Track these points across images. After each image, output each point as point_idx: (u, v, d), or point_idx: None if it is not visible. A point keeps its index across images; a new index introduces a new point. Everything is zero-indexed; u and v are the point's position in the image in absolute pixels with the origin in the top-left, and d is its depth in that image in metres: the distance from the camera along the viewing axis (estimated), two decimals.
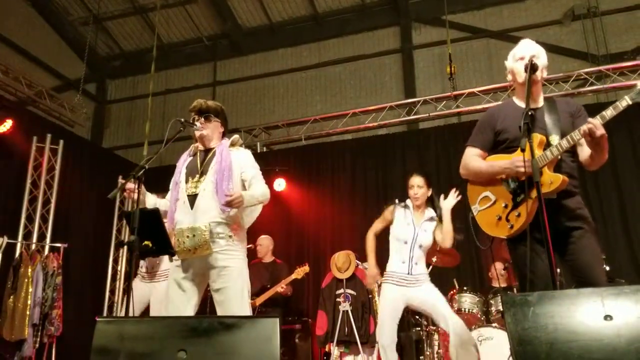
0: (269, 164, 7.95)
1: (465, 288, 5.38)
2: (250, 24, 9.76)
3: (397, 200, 4.33)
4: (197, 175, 3.20)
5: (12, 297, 5.85)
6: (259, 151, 8.75)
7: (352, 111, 8.10)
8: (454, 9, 8.50)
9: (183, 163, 3.33)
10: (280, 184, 7.80)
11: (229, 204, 3.01)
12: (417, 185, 4.15)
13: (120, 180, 3.17)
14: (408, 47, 8.93)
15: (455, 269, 5.51)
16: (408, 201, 4.22)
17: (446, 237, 4.03)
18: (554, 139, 2.62)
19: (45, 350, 6.07)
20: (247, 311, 3.14)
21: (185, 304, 3.13)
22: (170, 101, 10.28)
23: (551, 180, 2.55)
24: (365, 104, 8.33)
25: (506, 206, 2.67)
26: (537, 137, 2.60)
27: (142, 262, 4.82)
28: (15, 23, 8.81)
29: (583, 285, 2.48)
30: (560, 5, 8.23)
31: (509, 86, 7.22)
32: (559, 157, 2.60)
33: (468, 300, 5.22)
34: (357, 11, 9.27)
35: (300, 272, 6.17)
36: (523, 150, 2.38)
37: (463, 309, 5.18)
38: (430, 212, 4.18)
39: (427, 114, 7.69)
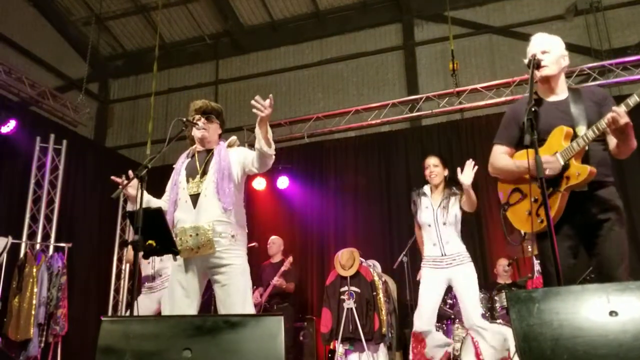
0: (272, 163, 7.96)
1: None
2: (252, 22, 9.75)
3: (414, 188, 4.45)
4: (198, 176, 3.22)
5: (17, 297, 5.87)
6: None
7: (354, 108, 8.08)
8: (456, 5, 8.47)
9: (182, 164, 3.34)
10: (283, 182, 7.81)
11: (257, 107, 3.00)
12: (433, 164, 4.30)
13: (118, 180, 3.16)
14: (410, 43, 8.91)
15: None
16: (424, 187, 4.34)
17: (472, 206, 4.07)
18: (581, 129, 2.59)
19: (51, 350, 6.09)
20: (251, 309, 3.16)
21: (188, 303, 3.14)
22: (172, 100, 10.28)
23: (578, 172, 2.51)
24: (368, 101, 8.30)
25: (536, 201, 2.63)
26: (562, 129, 2.58)
27: (147, 277, 4.89)
28: (18, 24, 8.82)
29: (605, 280, 2.44)
30: (562, 0, 8.20)
31: (512, 82, 7.20)
32: (587, 147, 2.55)
33: None
34: (359, 8, 9.25)
35: (286, 264, 6.27)
36: (527, 147, 2.36)
37: None
38: (451, 189, 4.26)
39: (430, 111, 7.66)
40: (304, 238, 7.59)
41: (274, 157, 3.18)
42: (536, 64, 2.67)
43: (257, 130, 3.09)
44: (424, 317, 4.11)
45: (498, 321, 4.93)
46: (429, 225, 4.19)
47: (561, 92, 2.75)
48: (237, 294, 3.10)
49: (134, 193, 3.15)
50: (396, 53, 9.01)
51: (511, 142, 2.81)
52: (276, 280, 6.15)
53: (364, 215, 7.26)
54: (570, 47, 8.12)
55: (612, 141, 2.60)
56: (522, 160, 2.71)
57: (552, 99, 2.76)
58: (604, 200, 2.59)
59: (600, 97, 2.71)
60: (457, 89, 7.47)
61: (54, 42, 9.70)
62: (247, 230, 3.33)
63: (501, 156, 2.81)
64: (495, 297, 5.29)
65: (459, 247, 4.15)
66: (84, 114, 8.91)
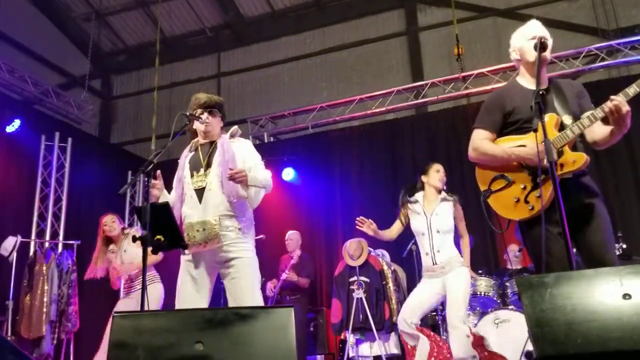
0: (276, 154, 7.94)
1: (480, 272, 5.36)
2: (253, 13, 9.70)
3: (407, 197, 4.34)
4: (202, 169, 3.21)
5: (28, 295, 5.91)
6: (266, 141, 8.74)
7: (358, 97, 8.03)
8: None
9: (185, 159, 3.33)
10: (288, 174, 7.78)
11: (232, 177, 3.00)
12: (443, 170, 4.27)
13: (155, 181, 3.16)
14: (413, 29, 8.82)
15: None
16: (416, 195, 4.29)
17: None
18: (566, 119, 2.60)
19: (64, 347, 6.14)
20: (259, 301, 3.18)
21: (198, 297, 3.16)
22: (175, 94, 10.26)
23: (574, 159, 2.52)
24: (372, 90, 8.24)
25: (525, 187, 2.62)
26: (554, 117, 2.58)
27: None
28: (19, 22, 8.80)
29: (595, 265, 2.45)
30: None
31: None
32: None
33: (483, 284, 5.20)
34: None
35: (295, 258, 6.30)
36: (536, 131, 2.35)
37: (479, 293, 5.17)
38: (442, 195, 4.22)
39: (436, 97, 7.61)
40: (311, 229, 7.57)
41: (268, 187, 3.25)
42: (543, 46, 2.63)
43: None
44: (406, 310, 4.08)
45: (510, 307, 4.91)
46: (423, 234, 4.13)
47: (543, 83, 2.73)
48: (246, 287, 3.11)
49: (159, 194, 3.19)
50: (399, 39, 8.93)
51: (494, 128, 2.77)
52: (286, 274, 6.17)
53: (371, 205, 7.21)
54: (577, 28, 8.12)
55: (597, 131, 2.60)
56: (510, 142, 2.69)
57: (533, 87, 2.74)
58: (586, 186, 2.61)
59: (578, 90, 2.76)
60: (463, 74, 7.41)
61: (55, 40, 9.68)
62: (254, 222, 3.33)
63: (485, 142, 2.76)
64: (507, 283, 5.27)
65: (450, 252, 4.09)
66: (88, 111, 8.92)
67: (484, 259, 6.51)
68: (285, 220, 7.39)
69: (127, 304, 4.82)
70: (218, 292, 3.92)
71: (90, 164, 7.57)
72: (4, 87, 7.71)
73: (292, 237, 6.55)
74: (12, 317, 5.75)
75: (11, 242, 5.78)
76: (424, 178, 4.35)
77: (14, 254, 5.79)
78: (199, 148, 3.34)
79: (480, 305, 5.31)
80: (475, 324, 4.92)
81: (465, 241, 4.29)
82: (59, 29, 9.77)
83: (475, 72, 7.45)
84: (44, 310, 5.84)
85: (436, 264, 4.06)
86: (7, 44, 8.54)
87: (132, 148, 9.91)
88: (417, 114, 8.14)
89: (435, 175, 4.28)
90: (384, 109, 7.89)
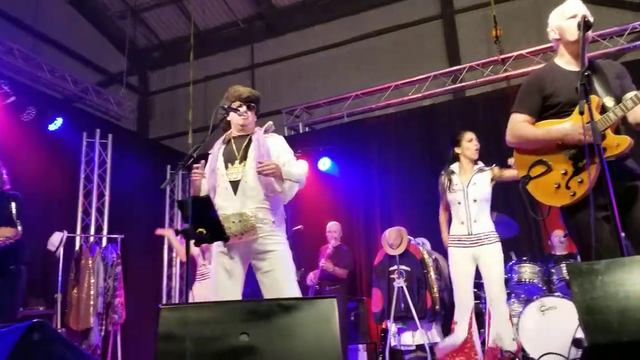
0: (312, 144, 7.93)
1: (524, 258, 5.26)
2: (284, 3, 9.66)
3: (442, 172, 4.38)
4: (237, 162, 3.22)
5: (75, 288, 6.08)
6: (301, 131, 8.73)
7: (394, 84, 7.93)
8: None
9: (218, 150, 3.35)
10: (325, 164, 7.76)
11: (260, 171, 3.05)
12: (475, 138, 4.26)
13: (199, 172, 3.22)
14: (449, 12, 8.62)
15: (512, 239, 5.38)
16: (452, 166, 4.27)
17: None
18: (607, 101, 2.52)
19: (111, 338, 6.31)
20: (296, 292, 3.20)
21: (233, 288, 3.20)
22: (210, 88, 10.33)
23: (617, 143, 2.44)
24: (408, 76, 8.09)
25: (565, 173, 2.55)
26: (595, 99, 2.48)
27: (201, 266, 5.06)
28: (57, 22, 8.99)
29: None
30: None
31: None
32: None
33: (528, 271, 5.11)
34: None
35: (330, 248, 6.29)
36: (582, 114, 2.28)
37: (524, 280, 5.07)
38: (478, 165, 4.19)
39: (474, 81, 7.46)
40: (350, 219, 7.54)
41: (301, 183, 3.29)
42: (587, 26, 2.54)
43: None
44: (461, 296, 4.10)
45: (556, 294, 4.81)
46: (459, 203, 4.14)
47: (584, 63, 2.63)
48: (282, 279, 3.15)
49: (200, 181, 3.27)
50: (434, 23, 8.74)
51: (533, 112, 2.68)
52: (322, 264, 6.18)
53: (410, 193, 7.14)
54: (621, 4, 7.78)
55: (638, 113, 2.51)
56: (552, 125, 2.60)
57: (573, 68, 2.64)
58: (630, 169, 2.53)
59: (619, 70, 2.67)
60: (502, 56, 7.23)
61: (93, 38, 9.86)
62: (285, 216, 3.36)
63: (524, 124, 2.68)
64: (552, 270, 5.15)
65: (487, 226, 4.08)
66: (126, 107, 9.09)
67: (528, 245, 6.37)
68: (323, 210, 7.39)
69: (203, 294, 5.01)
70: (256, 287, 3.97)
71: (130, 159, 7.71)
72: (46, 87, 7.91)
73: (333, 229, 6.55)
74: (60, 309, 5.92)
75: (58, 237, 5.94)
76: (457, 149, 4.32)
77: (61, 249, 5.95)
78: (232, 140, 3.36)
79: (525, 293, 5.21)
80: (520, 312, 4.84)
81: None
82: (96, 28, 9.94)
83: (515, 53, 7.25)
84: (91, 302, 6.01)
85: (471, 234, 4.04)
86: (47, 44, 8.75)
87: (170, 142, 10.04)
88: (454, 98, 7.98)
89: (469, 144, 4.25)
90: (420, 95, 7.78)
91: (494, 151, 6.55)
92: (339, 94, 8.54)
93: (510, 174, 4.09)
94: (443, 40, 8.58)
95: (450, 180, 4.23)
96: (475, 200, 4.09)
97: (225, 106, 3.33)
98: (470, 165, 4.24)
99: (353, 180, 7.67)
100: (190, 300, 5.18)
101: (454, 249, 4.15)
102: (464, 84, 7.64)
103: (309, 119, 8.74)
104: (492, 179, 4.17)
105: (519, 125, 2.71)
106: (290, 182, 3.21)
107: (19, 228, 4.01)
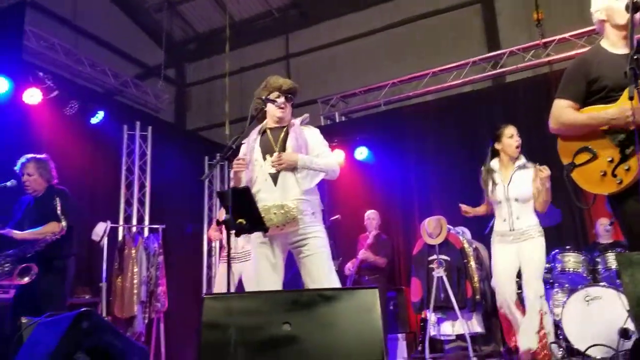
0: (348, 133, 7.89)
1: (568, 247, 5.13)
2: None
3: (482, 168, 4.29)
4: (275, 154, 3.22)
5: (119, 277, 6.24)
6: (337, 121, 8.69)
7: (431, 71, 7.80)
8: None
9: (254, 141, 3.35)
10: (362, 153, 7.72)
11: (273, 164, 3.14)
12: (516, 133, 4.09)
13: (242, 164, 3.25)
14: None
15: (555, 228, 5.26)
16: (491, 163, 4.15)
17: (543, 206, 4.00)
18: None
19: (154, 325, 6.45)
20: (336, 281, 3.24)
21: (274, 278, 3.24)
22: (245, 78, 10.36)
23: None
24: (446, 62, 7.94)
25: (612, 160, 2.46)
26: None
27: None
28: (95, 17, 9.14)
29: None
30: None
31: None
32: None
33: (572, 260, 4.98)
34: None
35: (370, 238, 6.27)
36: (631, 99, 2.21)
37: (567, 269, 4.95)
38: (520, 161, 4.07)
39: (515, 66, 7.27)
40: (387, 208, 7.48)
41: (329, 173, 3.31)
42: (636, 7, 2.43)
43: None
44: (502, 289, 4.04)
45: (602, 284, 4.68)
46: (499, 203, 4.03)
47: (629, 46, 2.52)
48: (322, 263, 3.20)
49: (243, 172, 3.30)
50: (473, 7, 8.50)
51: (577, 98, 2.59)
52: (362, 254, 6.20)
53: (449, 182, 7.03)
54: None
55: None
56: (597, 111, 2.50)
57: (620, 51, 2.53)
58: None
59: None
60: (544, 40, 7.02)
61: (130, 31, 10.00)
62: (322, 207, 3.37)
63: (568, 110, 2.59)
64: (597, 259, 5.01)
65: (530, 221, 3.97)
66: (165, 99, 9.22)
67: (572, 233, 6.21)
68: (361, 200, 7.36)
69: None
70: (296, 275, 4.00)
71: (169, 150, 7.82)
72: (87, 81, 8.09)
73: (372, 217, 6.53)
74: (105, 298, 6.08)
75: (101, 227, 6.09)
76: (497, 145, 4.20)
77: (105, 239, 6.10)
78: (268, 132, 3.36)
79: (569, 282, 5.09)
80: (564, 302, 4.74)
81: None
82: (134, 21, 10.08)
83: (557, 37, 7.02)
84: (135, 291, 6.15)
85: (513, 230, 3.96)
86: (87, 38, 8.91)
87: (207, 133, 10.14)
88: (494, 84, 7.80)
89: (509, 141, 4.11)
90: (459, 81, 7.63)
91: (536, 137, 6.42)
92: (376, 82, 8.45)
93: (543, 190, 3.94)
94: (482, 24, 8.36)
95: (490, 179, 4.12)
96: (517, 200, 3.98)
97: (264, 97, 3.34)
98: (511, 162, 4.11)
99: (390, 169, 7.60)
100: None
101: (497, 244, 4.08)
102: (504, 69, 7.46)
103: (345, 108, 8.69)
104: (533, 180, 4.02)
105: (563, 111, 2.63)
106: (310, 171, 3.22)
107: (64, 223, 4.11)
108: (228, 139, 8.49)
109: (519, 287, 4.22)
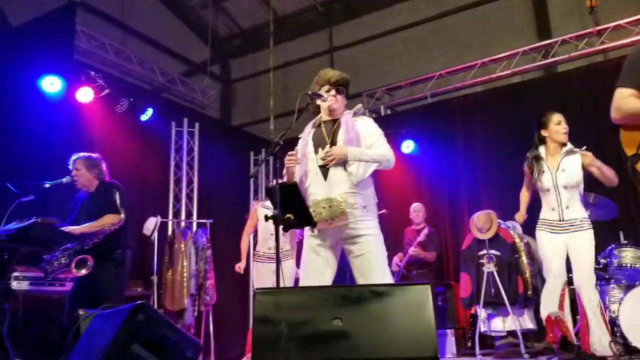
0: (394, 127, 7.79)
1: (625, 242, 4.94)
2: None
3: (527, 155, 4.21)
4: (327, 147, 3.20)
5: (170, 270, 6.38)
6: (382, 114, 8.61)
7: (480, 61, 7.63)
8: None
9: (308, 135, 3.34)
10: (408, 146, 7.63)
11: (325, 164, 3.11)
12: (564, 120, 4.04)
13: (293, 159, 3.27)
14: None
15: (612, 222, 5.06)
16: (539, 149, 4.07)
17: (610, 181, 3.93)
18: None
19: (203, 318, 6.57)
20: (389, 277, 3.18)
21: (324, 273, 3.22)
22: (290, 73, 10.40)
23: None
24: (495, 52, 7.74)
25: None
26: None
27: (261, 245, 5.17)
28: (142, 15, 9.33)
29: None
30: None
31: None
32: None
33: (630, 255, 4.79)
34: None
35: (422, 236, 6.24)
36: None
37: (624, 264, 4.77)
38: (567, 147, 3.96)
39: (567, 55, 7.02)
40: (435, 202, 7.38)
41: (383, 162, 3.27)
42: None
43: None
44: (553, 270, 3.90)
45: None
46: (548, 190, 3.95)
47: None
48: (375, 262, 3.14)
49: (294, 168, 3.32)
50: None
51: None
52: (412, 250, 6.15)
53: (499, 175, 6.87)
54: None
55: None
56: None
57: None
58: None
59: None
60: (598, 28, 6.75)
61: (176, 29, 10.17)
62: (376, 200, 3.31)
63: (630, 99, 2.46)
64: None
65: (579, 212, 3.89)
66: (211, 95, 9.35)
67: (630, 228, 5.95)
68: (407, 193, 7.28)
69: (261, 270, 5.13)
70: (342, 268, 3.98)
71: (216, 146, 7.93)
72: (136, 79, 8.28)
73: (418, 209, 6.47)
74: (157, 291, 6.23)
75: (152, 222, 6.23)
76: (543, 132, 4.10)
77: (155, 234, 6.24)
78: (322, 125, 3.35)
79: (626, 278, 4.89)
80: (621, 298, 4.57)
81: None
82: (179, 18, 10.24)
83: (612, 24, 6.74)
84: (185, 284, 6.28)
85: (563, 220, 3.88)
86: (135, 37, 9.11)
87: (252, 129, 10.22)
88: (545, 74, 7.56)
89: (557, 127, 4.03)
90: (509, 71, 7.43)
91: (592, 130, 6.20)
92: (421, 74, 8.33)
93: (599, 170, 3.87)
94: (532, 13, 8.09)
95: (537, 166, 4.03)
96: (565, 187, 3.90)
97: (313, 91, 3.33)
98: (558, 148, 4.01)
99: (437, 162, 7.48)
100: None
101: (544, 233, 4.01)
102: (556, 58, 7.22)
103: (390, 101, 8.60)
104: (582, 166, 3.93)
105: (625, 100, 2.51)
106: (362, 163, 3.16)
107: (122, 215, 4.22)
108: (273, 134, 8.56)
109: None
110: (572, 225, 3.88)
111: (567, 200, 3.90)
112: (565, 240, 3.91)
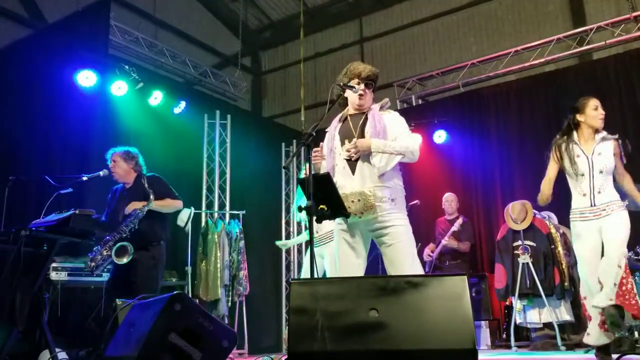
0: (426, 116, 7.73)
1: None
2: None
3: (557, 136, 4.08)
4: (354, 140, 3.18)
5: (204, 261, 6.45)
6: (414, 104, 8.54)
7: (513, 50, 7.48)
8: None
9: (335, 129, 3.33)
10: (440, 136, 7.55)
11: (350, 157, 3.12)
12: (600, 105, 3.90)
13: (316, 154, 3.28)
14: None
15: None
16: (573, 134, 3.95)
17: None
18: None
19: (237, 308, 6.64)
20: (419, 268, 3.18)
21: (357, 264, 3.22)
22: (319, 64, 10.40)
23: None
24: (528, 40, 7.61)
25: None
26: None
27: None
28: (174, 9, 9.44)
29: None
30: None
31: None
32: None
33: None
34: None
35: (456, 225, 6.15)
36: None
37: None
38: (602, 133, 3.85)
39: (603, 42, 6.84)
40: (468, 192, 7.30)
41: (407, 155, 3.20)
42: None
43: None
44: (586, 268, 3.76)
45: None
46: (582, 175, 3.81)
47: None
48: (405, 252, 3.13)
49: (320, 162, 3.32)
50: None
51: None
52: (446, 241, 6.11)
53: (534, 165, 6.70)
54: None
55: None
56: None
57: None
58: None
59: None
60: (635, 13, 6.54)
61: (207, 22, 10.26)
62: (404, 193, 3.29)
63: None
64: None
65: (610, 195, 3.74)
66: (242, 88, 9.40)
67: None
68: (440, 184, 7.21)
69: None
70: (375, 258, 3.97)
71: (248, 138, 7.97)
72: (169, 72, 8.38)
73: (450, 199, 6.42)
74: (191, 281, 6.31)
75: (186, 213, 6.30)
76: (579, 117, 3.99)
77: (189, 225, 6.31)
78: (349, 118, 3.34)
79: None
80: None
81: (629, 178, 3.89)
82: (210, 12, 10.32)
83: None
84: (218, 275, 6.35)
85: (595, 205, 3.74)
86: (168, 31, 9.23)
87: (283, 120, 10.28)
88: (580, 62, 7.38)
89: (594, 113, 3.89)
90: (543, 60, 7.28)
91: (630, 117, 6.03)
92: (453, 64, 8.23)
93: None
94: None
95: (571, 151, 3.92)
96: (601, 172, 3.78)
97: (342, 83, 3.31)
98: (592, 133, 3.91)
99: (470, 152, 7.39)
100: None
101: (578, 222, 3.86)
102: (591, 46, 7.05)
103: (421, 91, 8.51)
104: (614, 152, 3.82)
105: None
106: (385, 155, 3.13)
107: (179, 201, 4.45)
108: (303, 125, 8.58)
109: None
110: (603, 210, 3.74)
111: (599, 185, 3.77)
112: (599, 227, 3.75)
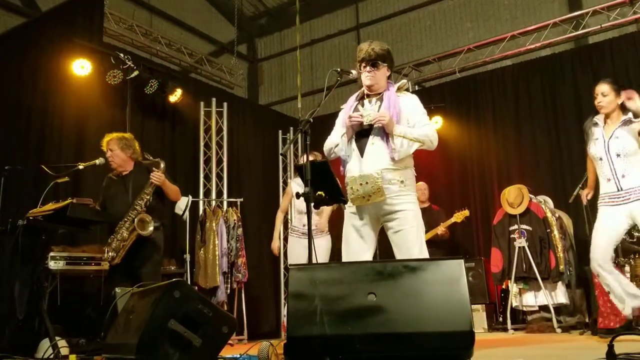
0: (422, 103, 7.68)
1: None
2: None
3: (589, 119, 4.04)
4: (382, 110, 3.18)
5: (202, 249, 6.47)
6: (410, 90, 8.50)
7: (509, 34, 7.46)
8: None
9: (350, 109, 3.31)
10: (436, 122, 7.53)
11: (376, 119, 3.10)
12: (601, 93, 3.85)
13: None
14: None
15: None
16: (597, 116, 3.92)
17: None
18: None
19: (236, 295, 6.68)
20: (426, 253, 3.16)
21: (364, 248, 3.23)
22: (316, 51, 10.35)
23: None
24: (524, 25, 7.59)
25: None
26: None
27: (297, 220, 5.24)
28: None
29: None
30: None
31: None
32: None
33: None
34: None
35: (459, 216, 6.20)
36: None
37: None
38: (625, 116, 3.81)
39: (599, 26, 6.82)
40: (464, 178, 7.32)
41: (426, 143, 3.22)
42: None
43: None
44: (598, 252, 3.75)
45: None
46: (600, 159, 3.80)
47: None
48: (412, 238, 3.13)
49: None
50: None
51: None
52: (442, 231, 6.21)
53: (530, 149, 6.77)
54: None
55: None
56: None
57: None
58: None
59: None
60: None
61: (203, 9, 10.19)
62: (415, 174, 3.28)
63: None
64: None
65: (638, 179, 3.68)
66: (238, 75, 9.36)
67: None
68: (436, 170, 7.22)
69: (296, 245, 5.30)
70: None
71: (244, 125, 7.96)
72: (165, 60, 8.33)
73: (422, 188, 6.43)
74: (189, 269, 6.34)
75: (183, 202, 6.29)
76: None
77: (187, 213, 6.32)
78: (365, 99, 3.32)
79: None
80: None
81: None
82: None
83: None
84: (217, 262, 6.37)
85: (621, 189, 3.70)
86: (163, 19, 9.17)
87: (279, 108, 10.25)
88: (576, 46, 7.37)
89: (594, 102, 3.90)
90: (539, 44, 7.25)
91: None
92: (449, 49, 8.21)
93: None
94: None
95: (592, 133, 3.90)
96: (618, 155, 3.71)
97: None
98: (609, 117, 3.86)
99: (466, 138, 7.39)
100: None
101: (605, 207, 3.79)
102: (587, 30, 7.02)
103: (418, 77, 8.50)
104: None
105: None
106: (404, 140, 3.12)
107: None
108: (300, 112, 8.56)
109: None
110: (632, 194, 3.67)
111: (622, 169, 3.70)
112: (627, 212, 3.70)
